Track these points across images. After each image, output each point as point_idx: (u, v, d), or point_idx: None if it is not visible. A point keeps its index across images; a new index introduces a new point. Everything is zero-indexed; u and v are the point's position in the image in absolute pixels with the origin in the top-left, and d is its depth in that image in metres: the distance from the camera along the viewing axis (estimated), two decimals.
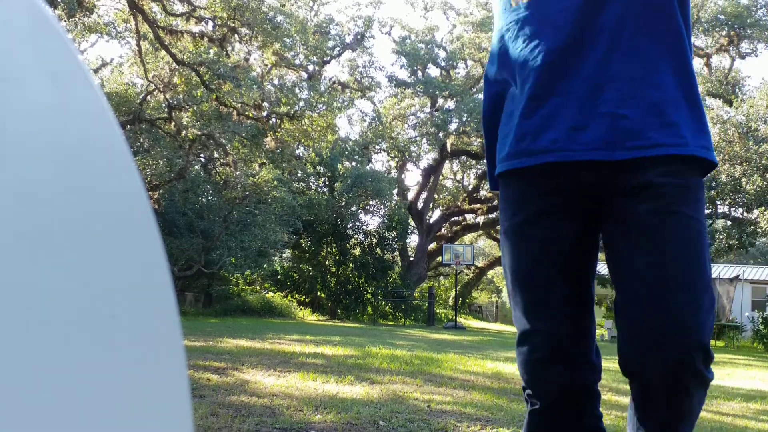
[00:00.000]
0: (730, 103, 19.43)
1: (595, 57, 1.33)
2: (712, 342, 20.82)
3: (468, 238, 30.56)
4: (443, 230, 27.10)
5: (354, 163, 25.43)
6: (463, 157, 26.60)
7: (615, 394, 5.45)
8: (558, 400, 1.42)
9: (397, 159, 27.10)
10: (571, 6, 1.35)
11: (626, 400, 5.12)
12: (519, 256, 1.43)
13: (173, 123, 16.34)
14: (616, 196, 1.34)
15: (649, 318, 1.26)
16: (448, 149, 24.36)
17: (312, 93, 19.90)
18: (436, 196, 27.22)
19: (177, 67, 14.89)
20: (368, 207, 24.37)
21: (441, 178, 27.54)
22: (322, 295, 23.42)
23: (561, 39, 1.35)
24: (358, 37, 25.87)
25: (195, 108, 16.25)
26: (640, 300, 1.28)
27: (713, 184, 18.44)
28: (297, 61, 20.24)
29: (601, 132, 1.31)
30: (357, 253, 24.33)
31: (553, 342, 1.40)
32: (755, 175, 17.22)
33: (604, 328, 20.58)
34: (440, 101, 25.53)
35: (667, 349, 1.25)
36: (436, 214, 27.61)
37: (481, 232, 28.22)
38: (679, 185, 1.30)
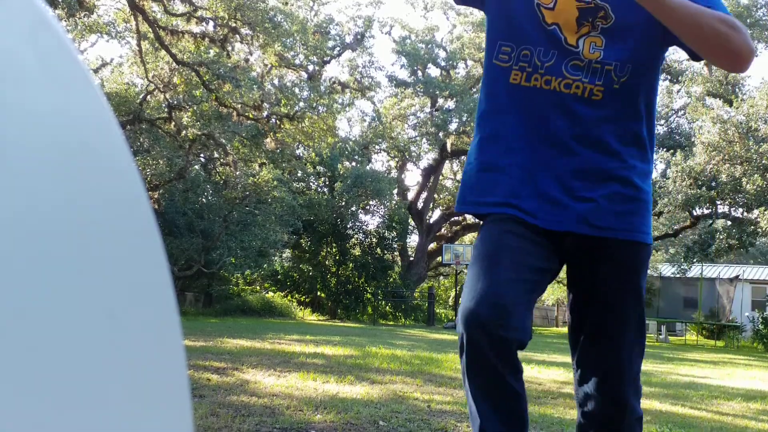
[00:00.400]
0: (730, 103, 19.43)
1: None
2: (713, 342, 20.73)
3: (468, 238, 30.54)
4: (443, 230, 27.10)
5: (354, 163, 25.43)
6: (463, 157, 26.57)
7: None
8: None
9: (397, 159, 27.10)
10: None
11: None
12: (495, 240, 1.66)
13: (173, 123, 16.34)
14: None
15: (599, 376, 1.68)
16: (448, 149, 24.36)
17: (312, 93, 19.90)
18: (436, 196, 27.22)
19: (177, 67, 14.89)
20: (368, 207, 24.37)
21: (441, 178, 27.54)
22: (322, 295, 23.41)
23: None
24: (358, 37, 25.87)
25: (195, 108, 16.25)
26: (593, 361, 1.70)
27: (713, 184, 18.43)
28: (297, 61, 20.24)
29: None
30: (357, 253, 24.33)
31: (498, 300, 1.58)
32: (755, 175, 17.21)
33: None
34: (440, 101, 25.54)
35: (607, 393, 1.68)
36: (436, 214, 27.61)
37: None
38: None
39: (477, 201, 1.72)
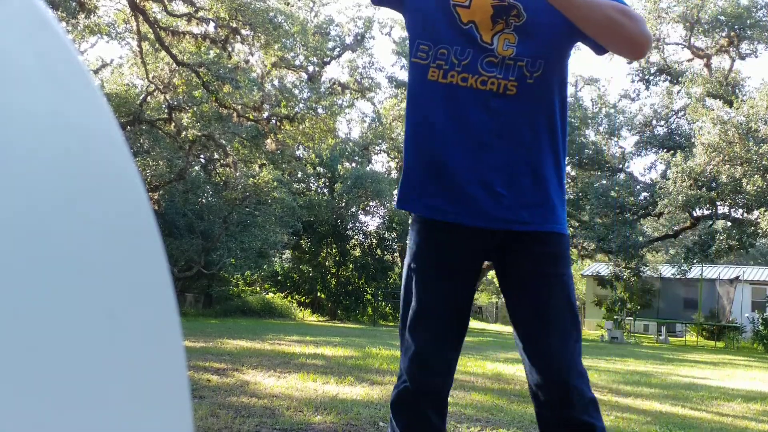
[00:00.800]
0: (730, 104, 19.42)
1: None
2: (713, 343, 20.73)
3: None
4: None
5: (354, 164, 25.43)
6: None
7: (615, 395, 5.45)
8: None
9: (397, 160, 27.09)
10: None
11: (626, 400, 5.12)
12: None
13: (173, 124, 16.34)
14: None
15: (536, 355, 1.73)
16: None
17: (312, 94, 19.90)
18: None
19: (177, 68, 14.90)
20: (368, 208, 24.37)
21: None
22: (322, 295, 23.41)
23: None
24: (358, 37, 25.87)
25: (195, 109, 16.26)
26: (532, 339, 1.74)
27: (713, 184, 18.43)
28: (297, 62, 20.24)
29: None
30: (357, 254, 24.33)
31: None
32: (755, 176, 17.21)
33: (604, 329, 20.57)
34: None
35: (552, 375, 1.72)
36: None
37: None
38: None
39: (401, 199, 1.80)
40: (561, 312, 1.72)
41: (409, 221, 1.86)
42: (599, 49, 1.74)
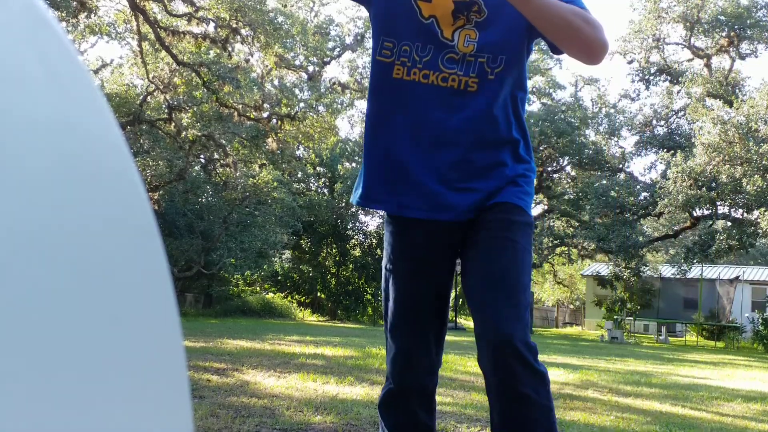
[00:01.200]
0: (730, 104, 19.43)
1: None
2: (713, 343, 20.71)
3: None
4: None
5: (354, 164, 25.42)
6: None
7: (615, 395, 5.45)
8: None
9: None
10: None
11: (626, 400, 5.12)
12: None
13: (173, 124, 16.34)
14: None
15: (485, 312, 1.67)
16: None
17: (312, 94, 19.90)
18: None
19: (177, 67, 14.90)
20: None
21: None
22: (322, 295, 23.42)
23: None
24: (358, 38, 25.87)
25: (195, 109, 16.26)
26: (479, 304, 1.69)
27: (713, 184, 18.44)
28: (297, 62, 20.25)
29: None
30: (357, 254, 24.33)
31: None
32: (755, 176, 17.21)
33: (604, 329, 20.57)
34: None
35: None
36: None
37: None
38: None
39: (368, 196, 1.80)
40: (506, 272, 1.66)
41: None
42: (555, 49, 1.72)
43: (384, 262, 1.83)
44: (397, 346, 1.80)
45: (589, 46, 1.62)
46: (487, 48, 1.69)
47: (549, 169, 23.81)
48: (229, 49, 14.63)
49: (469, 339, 13.44)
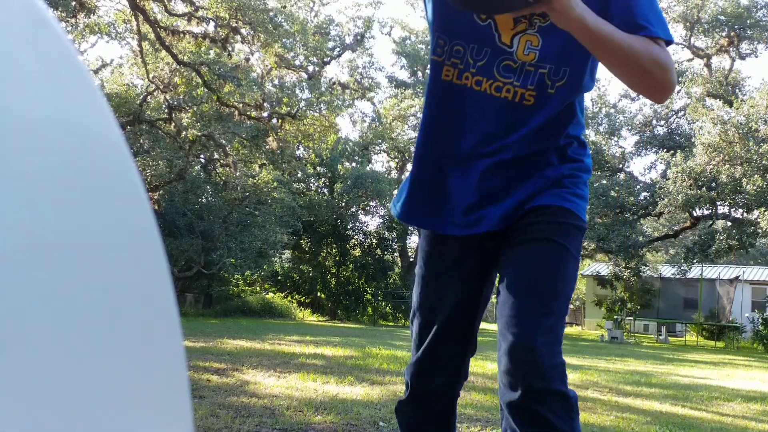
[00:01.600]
0: (730, 104, 19.43)
1: None
2: (713, 343, 20.69)
3: None
4: None
5: (354, 164, 25.43)
6: None
7: (615, 395, 5.45)
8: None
9: (397, 160, 27.10)
10: None
11: (626, 400, 5.12)
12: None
13: (173, 124, 16.34)
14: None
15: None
16: None
17: (312, 93, 19.91)
18: None
19: (177, 67, 14.90)
20: (368, 208, 24.37)
21: None
22: (322, 295, 23.41)
23: None
24: (358, 37, 25.88)
25: (195, 109, 16.26)
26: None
27: (713, 184, 18.44)
28: (297, 62, 20.24)
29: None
30: (357, 254, 24.32)
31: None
32: (755, 176, 17.21)
33: (604, 329, 20.56)
34: None
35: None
36: None
37: None
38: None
39: (408, 213, 1.70)
40: (541, 277, 1.47)
41: None
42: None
43: (417, 268, 1.74)
44: (419, 352, 1.68)
45: (655, 90, 1.46)
46: (549, 58, 1.49)
47: None
48: (229, 48, 14.63)
49: None
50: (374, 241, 24.58)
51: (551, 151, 1.58)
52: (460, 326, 1.67)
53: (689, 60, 24.79)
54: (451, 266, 1.66)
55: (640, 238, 21.45)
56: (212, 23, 14.47)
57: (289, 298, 22.40)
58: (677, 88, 23.88)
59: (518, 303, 1.45)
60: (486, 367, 6.90)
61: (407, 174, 1.78)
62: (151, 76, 15.35)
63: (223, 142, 17.44)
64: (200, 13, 14.15)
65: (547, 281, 1.47)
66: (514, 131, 1.53)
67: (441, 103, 1.59)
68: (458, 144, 1.57)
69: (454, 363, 1.69)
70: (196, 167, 20.05)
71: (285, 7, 16.99)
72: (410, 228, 25.53)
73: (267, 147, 17.80)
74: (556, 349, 1.42)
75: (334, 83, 22.23)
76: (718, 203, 19.28)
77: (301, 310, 21.93)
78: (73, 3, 12.92)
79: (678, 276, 22.27)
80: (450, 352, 1.67)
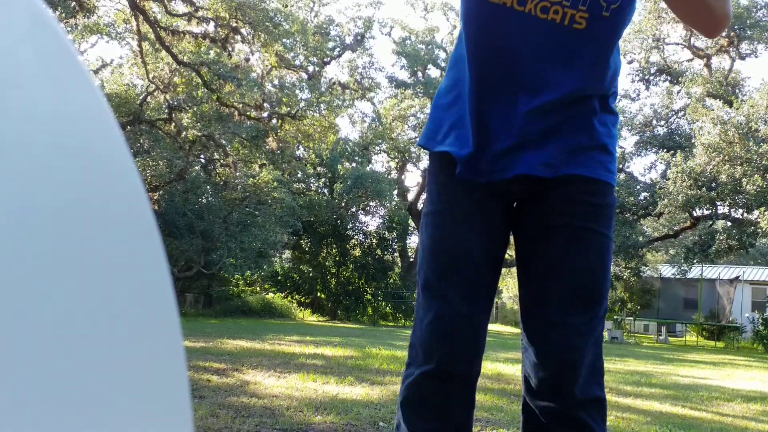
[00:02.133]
0: (730, 104, 19.43)
1: None
2: (713, 343, 20.68)
3: None
4: None
5: (354, 164, 25.43)
6: None
7: (615, 395, 5.45)
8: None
9: (397, 160, 27.10)
10: None
11: (626, 400, 5.12)
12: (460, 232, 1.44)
13: (173, 124, 16.34)
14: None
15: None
16: None
17: (312, 93, 19.92)
18: None
19: (177, 67, 14.90)
20: (368, 208, 24.37)
21: None
22: (322, 296, 23.41)
23: None
24: (358, 37, 25.88)
25: (195, 109, 16.26)
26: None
27: (713, 184, 18.44)
28: (297, 62, 20.25)
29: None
30: (357, 254, 24.33)
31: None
32: (755, 176, 17.21)
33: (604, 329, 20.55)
34: None
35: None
36: None
37: None
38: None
39: (435, 138, 1.47)
40: (588, 278, 1.35)
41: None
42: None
43: (426, 209, 1.46)
44: (439, 308, 1.36)
45: (716, 25, 1.36)
46: None
47: None
48: (229, 48, 14.63)
49: None
50: (374, 241, 24.58)
51: (596, 98, 1.40)
52: (485, 279, 1.41)
53: (689, 60, 24.80)
54: (477, 207, 1.42)
55: (640, 238, 21.45)
56: (212, 23, 14.48)
57: (289, 298, 22.40)
58: (677, 88, 23.90)
59: (562, 305, 1.34)
60: (486, 367, 6.90)
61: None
62: (151, 76, 15.35)
63: (223, 142, 17.44)
64: (200, 13, 14.16)
65: (593, 280, 1.36)
66: (563, 64, 1.34)
67: (476, 25, 1.37)
68: (500, 78, 1.37)
69: (483, 323, 1.42)
70: (196, 167, 20.05)
71: (286, 6, 17.01)
72: (410, 228, 25.57)
73: (267, 147, 17.81)
74: (598, 352, 1.39)
75: (334, 83, 22.25)
76: (718, 203, 19.28)
77: (301, 310, 21.93)
78: (73, 3, 12.92)
79: (678, 276, 22.28)
80: (480, 305, 1.40)
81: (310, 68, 22.91)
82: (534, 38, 1.32)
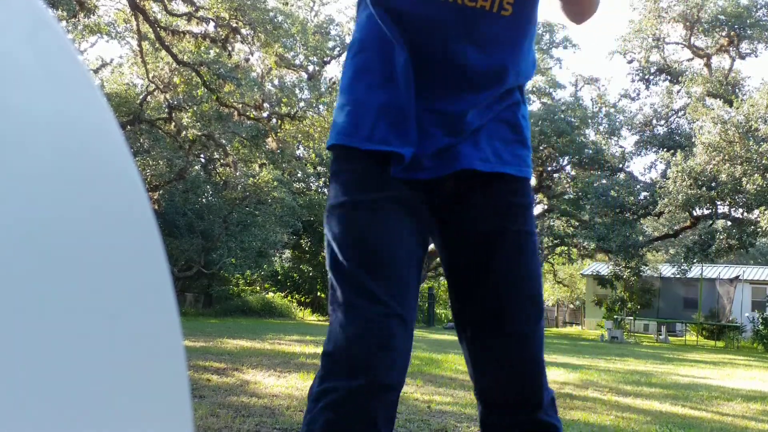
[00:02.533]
0: (730, 104, 19.43)
1: None
2: (713, 342, 20.70)
3: None
4: None
5: None
6: None
7: (615, 394, 5.45)
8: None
9: None
10: None
11: (626, 400, 5.12)
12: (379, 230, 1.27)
13: (173, 123, 16.34)
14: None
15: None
16: None
17: (312, 93, 19.91)
18: None
19: (177, 67, 14.90)
20: None
21: None
22: (323, 295, 23.41)
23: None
24: None
25: (195, 108, 16.26)
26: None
27: (713, 184, 18.44)
28: (297, 62, 20.25)
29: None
30: None
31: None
32: (756, 175, 17.21)
33: (604, 329, 20.56)
34: None
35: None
36: None
37: None
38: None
39: (369, 136, 1.29)
40: (535, 284, 1.33)
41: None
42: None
43: (341, 200, 1.27)
44: (370, 309, 1.18)
45: (591, 10, 1.38)
46: None
47: (549, 168, 23.81)
48: (229, 48, 14.63)
49: None
50: None
51: (518, 88, 1.38)
52: (412, 281, 1.27)
53: (689, 60, 24.80)
54: (402, 202, 1.29)
55: (640, 238, 21.45)
56: (212, 23, 14.47)
57: (289, 298, 22.40)
58: (677, 87, 23.91)
59: (518, 316, 1.31)
60: None
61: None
62: (151, 75, 15.35)
63: (223, 141, 17.44)
64: (200, 13, 14.16)
65: (536, 286, 1.34)
66: (494, 51, 1.29)
67: (409, 16, 1.27)
68: (432, 68, 1.28)
69: (409, 332, 1.24)
70: (196, 167, 20.06)
71: (287, 3, 17.00)
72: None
73: (267, 147, 17.81)
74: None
75: (334, 83, 22.23)
76: (718, 203, 19.28)
77: (301, 309, 21.94)
78: (73, 3, 12.92)
79: (678, 276, 22.27)
80: (410, 311, 1.24)
81: (310, 68, 22.91)
82: (461, 28, 1.27)
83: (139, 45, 14.74)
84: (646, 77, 24.82)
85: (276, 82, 19.75)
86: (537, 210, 25.06)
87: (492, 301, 1.31)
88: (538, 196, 24.67)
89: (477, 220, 1.33)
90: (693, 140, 19.94)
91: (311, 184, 25.29)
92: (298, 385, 4.64)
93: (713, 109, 19.29)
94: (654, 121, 24.47)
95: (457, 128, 1.29)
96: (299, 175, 24.67)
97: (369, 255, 1.22)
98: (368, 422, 1.15)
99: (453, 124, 1.29)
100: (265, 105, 17.11)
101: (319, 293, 23.42)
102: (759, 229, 18.30)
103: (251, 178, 18.79)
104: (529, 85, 25.49)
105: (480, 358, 1.34)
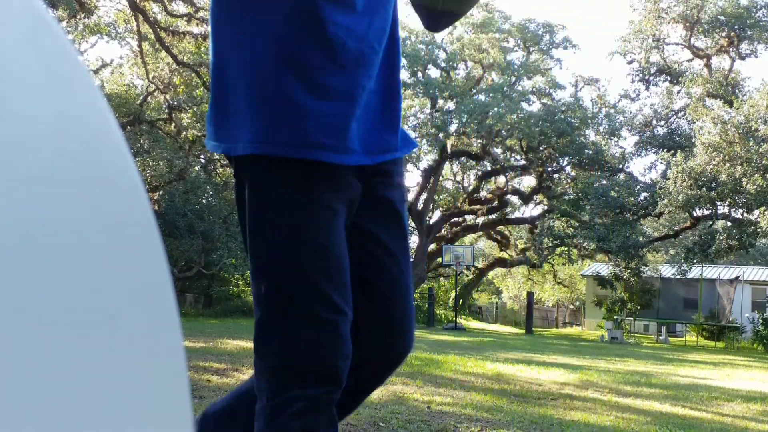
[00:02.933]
0: (730, 104, 19.43)
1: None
2: (713, 343, 20.65)
3: (468, 239, 30.57)
4: (443, 231, 27.11)
5: None
6: (463, 158, 26.62)
7: (615, 395, 5.45)
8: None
9: None
10: None
11: (626, 400, 5.12)
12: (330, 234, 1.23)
13: (173, 124, 16.35)
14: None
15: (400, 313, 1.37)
16: (448, 150, 24.37)
17: None
18: (435, 197, 27.23)
19: (177, 68, 14.91)
20: None
21: (441, 179, 27.55)
22: None
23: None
24: None
25: (195, 109, 16.27)
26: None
27: (713, 184, 18.44)
28: None
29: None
30: None
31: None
32: (756, 175, 17.21)
33: (603, 329, 20.56)
34: (440, 102, 25.56)
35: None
36: (436, 215, 27.61)
37: (480, 233, 28.22)
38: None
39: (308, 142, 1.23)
40: (408, 261, 1.38)
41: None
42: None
43: (283, 199, 1.21)
44: (333, 317, 1.18)
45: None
46: None
47: (549, 169, 23.82)
48: None
49: (469, 340, 13.45)
50: None
51: (398, 81, 1.40)
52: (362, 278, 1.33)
53: (689, 60, 24.81)
54: (340, 200, 1.25)
55: (640, 239, 21.45)
56: None
57: None
58: (677, 88, 23.91)
59: (407, 307, 1.37)
60: (486, 367, 6.90)
61: None
62: (151, 76, 15.36)
63: None
64: (200, 14, 14.16)
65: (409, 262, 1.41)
66: (375, 15, 1.24)
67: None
68: (302, 51, 1.20)
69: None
70: (196, 167, 20.05)
71: None
72: (410, 228, 25.56)
73: None
74: None
75: None
76: (718, 203, 19.28)
77: None
78: (74, 3, 12.92)
79: (678, 276, 22.27)
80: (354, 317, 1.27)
81: None
82: (338, 4, 1.21)
83: (139, 45, 14.75)
84: (646, 78, 24.82)
85: None
86: (537, 210, 25.08)
87: (397, 299, 1.40)
88: (538, 196, 24.69)
89: (378, 202, 1.37)
90: (693, 141, 19.94)
91: None
92: None
93: (713, 110, 19.30)
94: (654, 122, 24.47)
95: (374, 109, 1.32)
96: None
97: (329, 263, 1.20)
98: (333, 422, 1.21)
99: (372, 104, 1.32)
100: None
101: None
102: (759, 230, 18.30)
103: None
104: (529, 86, 25.54)
105: (367, 341, 1.38)
